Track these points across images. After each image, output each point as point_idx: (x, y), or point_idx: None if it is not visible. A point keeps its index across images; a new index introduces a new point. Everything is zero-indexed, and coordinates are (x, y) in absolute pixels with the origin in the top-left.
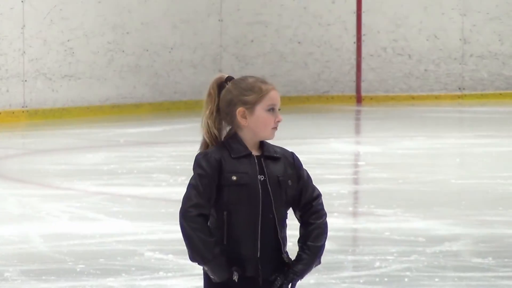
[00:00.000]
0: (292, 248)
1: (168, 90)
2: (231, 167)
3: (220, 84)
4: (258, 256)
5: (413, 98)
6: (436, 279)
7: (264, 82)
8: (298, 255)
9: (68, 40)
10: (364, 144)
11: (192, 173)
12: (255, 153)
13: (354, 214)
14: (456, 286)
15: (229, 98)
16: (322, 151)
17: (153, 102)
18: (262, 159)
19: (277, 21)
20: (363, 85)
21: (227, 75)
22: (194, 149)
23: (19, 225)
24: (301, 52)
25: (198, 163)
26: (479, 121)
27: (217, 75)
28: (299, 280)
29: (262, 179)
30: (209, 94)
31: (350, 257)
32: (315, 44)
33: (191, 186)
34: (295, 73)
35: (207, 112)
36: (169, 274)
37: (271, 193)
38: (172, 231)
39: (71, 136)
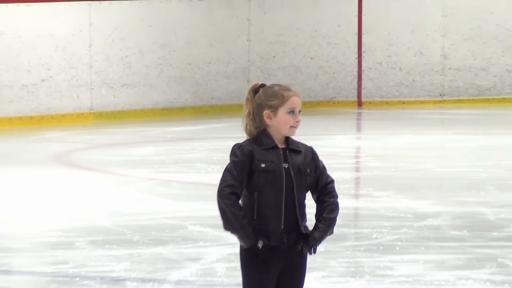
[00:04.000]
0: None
1: (206, 96)
2: (260, 157)
3: (256, 90)
4: (282, 228)
5: (403, 102)
6: (422, 248)
7: (286, 89)
8: (316, 225)
9: (126, 56)
10: (363, 139)
11: (227, 161)
12: (281, 146)
13: (356, 196)
14: (437, 253)
15: (259, 102)
16: (330, 145)
17: (194, 106)
18: (287, 151)
19: (294, 41)
20: (363, 92)
21: (261, 83)
22: (228, 143)
23: (87, 205)
24: (313, 66)
25: (233, 152)
26: (456, 122)
27: (253, 83)
28: (317, 245)
29: (286, 166)
30: (247, 99)
31: (352, 230)
32: (324, 59)
33: (226, 170)
34: (308, 82)
35: (246, 113)
36: (208, 244)
37: (293, 178)
38: (210, 209)
39: (128, 133)
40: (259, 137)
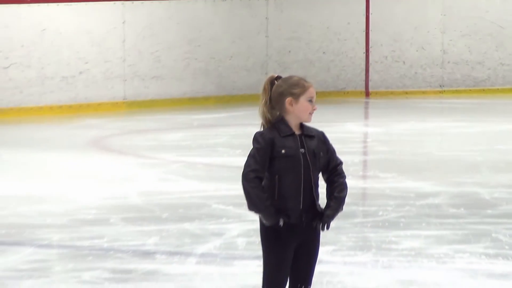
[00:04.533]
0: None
1: (228, 87)
2: (280, 143)
3: (272, 81)
4: (301, 207)
5: (406, 93)
6: (423, 224)
7: (305, 80)
8: (327, 204)
9: (156, 51)
10: (371, 126)
11: (250, 147)
12: (297, 132)
13: (363, 177)
14: (437, 229)
15: (280, 90)
16: (340, 131)
17: (218, 96)
18: (302, 137)
19: (308, 37)
20: (370, 83)
21: (276, 75)
22: (248, 130)
23: (120, 185)
24: (325, 59)
25: (256, 140)
26: (455, 110)
27: (269, 75)
28: (331, 222)
29: (302, 151)
30: (264, 89)
31: (360, 208)
32: (335, 54)
33: (250, 156)
34: (321, 75)
35: (263, 101)
36: (230, 220)
37: (309, 162)
38: (232, 189)
39: (158, 120)
40: (278, 125)
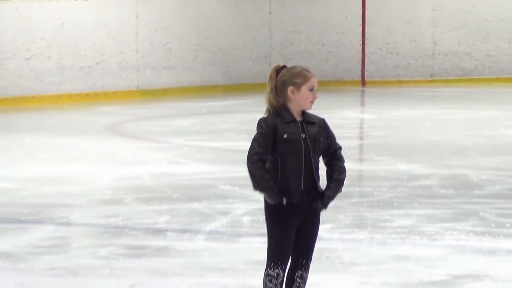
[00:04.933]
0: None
1: (235, 76)
2: (283, 129)
3: (278, 70)
4: (302, 188)
5: (400, 82)
6: (415, 204)
7: (307, 70)
8: (327, 186)
9: (167, 43)
10: (366, 113)
11: (253, 131)
12: (298, 119)
13: (360, 160)
14: (428, 208)
15: (284, 79)
16: (338, 117)
17: (224, 84)
18: (303, 123)
19: (308, 30)
20: (366, 73)
21: (282, 64)
22: (253, 116)
23: (134, 168)
24: (324, 51)
25: (260, 125)
26: (444, 98)
27: (275, 64)
28: (330, 202)
29: (303, 136)
30: (270, 77)
31: (357, 189)
32: (334, 45)
33: (254, 140)
34: (320, 65)
35: (269, 89)
36: (236, 200)
37: (309, 146)
38: (238, 171)
39: (169, 107)
40: (280, 112)
